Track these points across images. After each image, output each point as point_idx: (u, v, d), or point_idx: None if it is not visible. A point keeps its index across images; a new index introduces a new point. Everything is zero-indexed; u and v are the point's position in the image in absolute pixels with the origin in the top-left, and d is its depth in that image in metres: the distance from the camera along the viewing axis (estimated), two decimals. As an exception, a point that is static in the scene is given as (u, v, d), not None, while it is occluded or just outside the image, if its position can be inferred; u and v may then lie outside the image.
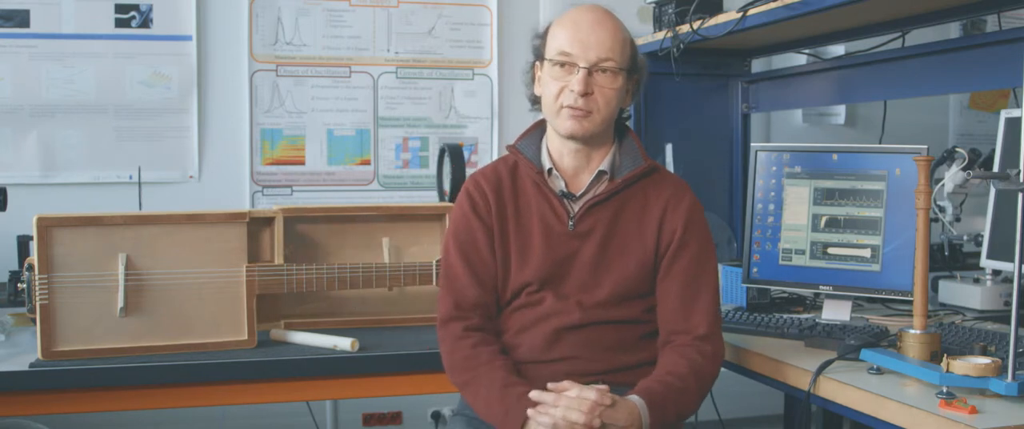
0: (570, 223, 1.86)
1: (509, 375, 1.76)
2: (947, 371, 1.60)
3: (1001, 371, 1.57)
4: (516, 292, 1.88)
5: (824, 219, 2.29)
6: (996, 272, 2.42)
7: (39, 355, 1.98)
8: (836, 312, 2.27)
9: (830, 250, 2.28)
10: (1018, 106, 2.39)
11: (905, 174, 2.17)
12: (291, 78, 3.30)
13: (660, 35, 2.91)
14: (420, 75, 3.42)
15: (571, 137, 1.84)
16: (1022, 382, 1.54)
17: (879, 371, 1.77)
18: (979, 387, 1.58)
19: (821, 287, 2.30)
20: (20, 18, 3.08)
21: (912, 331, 1.78)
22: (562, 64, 1.81)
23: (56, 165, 3.12)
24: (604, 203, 1.87)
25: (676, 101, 3.17)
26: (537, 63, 1.91)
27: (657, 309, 1.87)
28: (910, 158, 1.97)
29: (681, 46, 2.78)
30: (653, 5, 3.02)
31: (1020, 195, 1.54)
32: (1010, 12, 2.41)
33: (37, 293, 1.98)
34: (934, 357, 1.74)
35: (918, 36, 2.68)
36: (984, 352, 1.64)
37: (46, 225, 1.99)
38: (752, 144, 2.51)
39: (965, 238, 2.65)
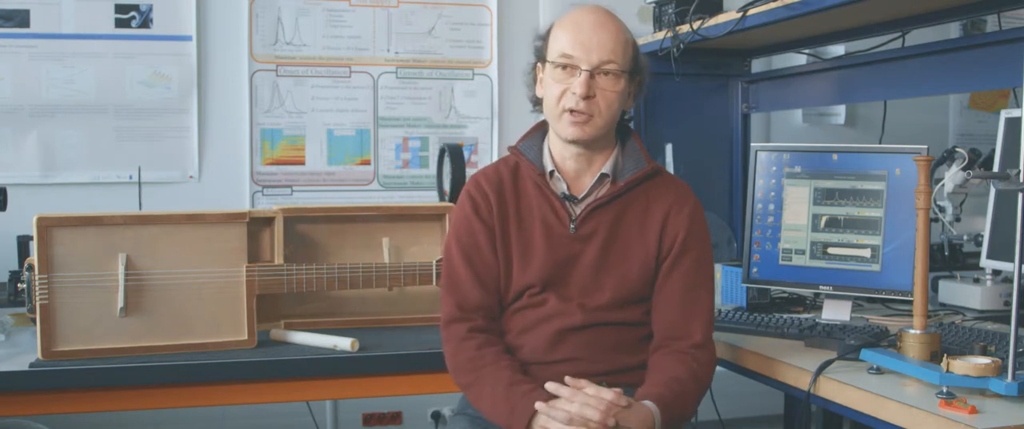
0: (572, 226, 1.86)
1: (515, 374, 1.76)
2: (947, 371, 1.60)
3: (1001, 371, 1.57)
4: (518, 293, 1.87)
5: (824, 219, 2.29)
6: (996, 272, 2.41)
7: (39, 355, 1.98)
8: (836, 312, 2.27)
9: (830, 250, 2.28)
10: (1018, 106, 2.39)
11: (905, 174, 2.17)
12: (291, 78, 3.30)
13: (660, 35, 2.91)
14: (420, 75, 3.42)
15: (573, 142, 1.84)
16: (1022, 382, 1.54)
17: (879, 371, 1.77)
18: (979, 387, 1.58)
19: (821, 287, 2.30)
20: (20, 18, 3.08)
21: (912, 331, 1.77)
22: (564, 66, 1.80)
23: (56, 165, 3.12)
24: (606, 206, 1.86)
25: (676, 101, 3.17)
26: (538, 65, 1.90)
27: (653, 312, 1.87)
28: (910, 158, 1.97)
29: (681, 46, 2.78)
30: (653, 5, 3.02)
31: (1020, 195, 1.54)
32: (1010, 12, 2.41)
33: (37, 293, 1.98)
34: (934, 357, 1.74)
35: (918, 36, 2.68)
36: (984, 352, 1.64)
37: (46, 225, 1.99)
38: (752, 144, 2.51)
39: (965, 238, 2.65)
